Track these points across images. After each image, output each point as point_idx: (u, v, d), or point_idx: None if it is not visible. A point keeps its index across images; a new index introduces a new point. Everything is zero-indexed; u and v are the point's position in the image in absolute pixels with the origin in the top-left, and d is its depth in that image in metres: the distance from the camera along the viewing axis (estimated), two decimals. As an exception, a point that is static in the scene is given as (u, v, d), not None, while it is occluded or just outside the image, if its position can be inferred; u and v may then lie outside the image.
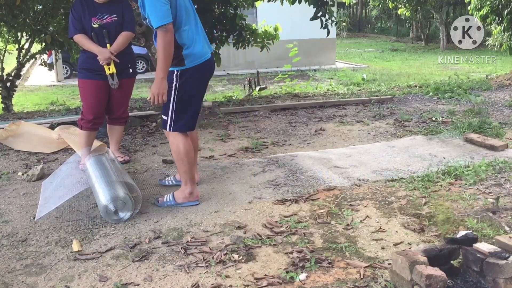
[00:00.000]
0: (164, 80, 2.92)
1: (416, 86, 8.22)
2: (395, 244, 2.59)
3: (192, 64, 3.04)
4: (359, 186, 3.43)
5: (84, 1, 3.80)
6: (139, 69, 17.02)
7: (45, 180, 3.60)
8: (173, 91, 3.04)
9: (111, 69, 3.81)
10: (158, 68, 2.91)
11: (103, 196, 2.94)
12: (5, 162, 4.26)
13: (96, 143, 4.43)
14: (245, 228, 2.81)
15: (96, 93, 3.87)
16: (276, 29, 7.80)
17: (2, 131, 4.78)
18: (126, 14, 3.86)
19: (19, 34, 8.08)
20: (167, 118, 3.09)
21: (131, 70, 4.01)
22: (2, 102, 8.70)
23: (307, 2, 6.17)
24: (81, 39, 3.81)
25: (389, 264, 2.29)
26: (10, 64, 9.78)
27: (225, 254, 2.50)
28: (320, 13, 6.10)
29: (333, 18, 6.29)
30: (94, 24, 3.76)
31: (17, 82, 9.36)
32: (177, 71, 3.03)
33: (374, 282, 2.22)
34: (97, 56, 3.74)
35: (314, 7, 6.10)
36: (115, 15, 3.80)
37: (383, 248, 2.56)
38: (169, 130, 3.11)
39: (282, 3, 7.17)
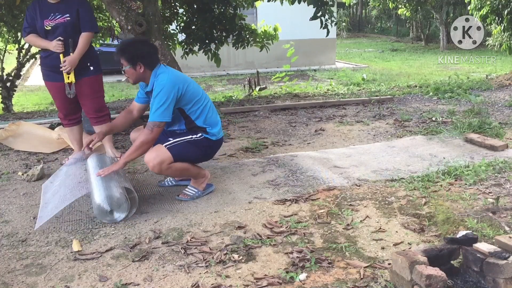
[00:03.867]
0: (123, 166, 3.11)
1: (416, 86, 8.22)
2: (395, 244, 2.59)
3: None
4: (359, 186, 3.43)
5: (37, 3, 3.72)
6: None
7: (46, 181, 3.59)
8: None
9: (70, 78, 3.72)
10: (127, 155, 3.04)
11: (98, 196, 2.93)
12: (5, 162, 4.26)
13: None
14: (245, 228, 2.81)
15: (58, 94, 3.86)
16: (275, 29, 7.82)
17: (2, 131, 4.78)
18: (83, 13, 3.70)
19: (19, 34, 8.08)
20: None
21: (92, 68, 3.83)
22: (2, 102, 8.72)
23: (307, 2, 6.18)
24: (32, 39, 3.78)
25: (389, 264, 2.29)
26: (10, 64, 9.79)
27: (225, 254, 2.50)
28: (320, 13, 6.11)
29: (333, 18, 6.29)
30: (47, 27, 3.68)
31: (17, 82, 9.38)
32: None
33: (374, 282, 2.22)
34: (53, 54, 3.69)
35: (314, 7, 6.10)
36: (67, 15, 3.67)
37: (383, 248, 2.56)
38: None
39: (282, 3, 7.19)
